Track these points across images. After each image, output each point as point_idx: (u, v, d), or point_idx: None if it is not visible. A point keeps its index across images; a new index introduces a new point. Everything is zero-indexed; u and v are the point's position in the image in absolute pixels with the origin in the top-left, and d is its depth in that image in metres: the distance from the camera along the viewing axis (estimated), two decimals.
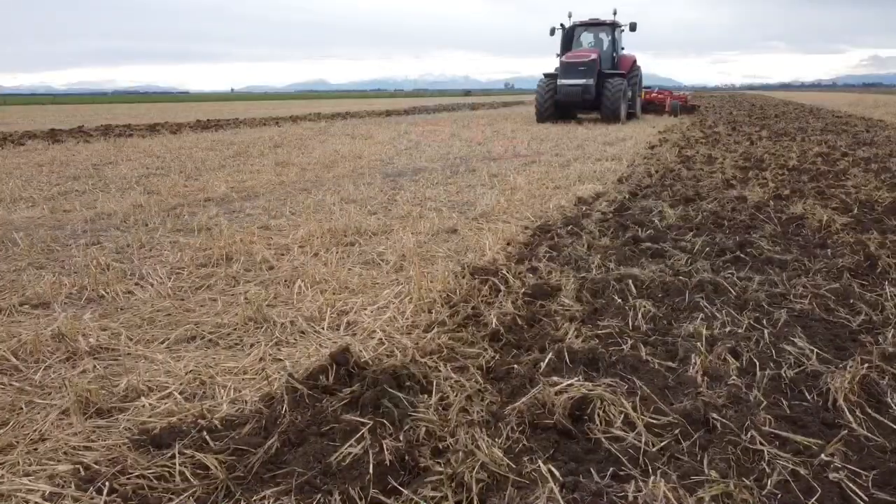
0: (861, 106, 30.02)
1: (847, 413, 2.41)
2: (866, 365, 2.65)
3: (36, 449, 2.34)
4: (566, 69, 20.23)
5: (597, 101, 20.21)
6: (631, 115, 22.01)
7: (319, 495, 1.98)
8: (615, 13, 22.10)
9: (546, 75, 21.34)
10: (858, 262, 4.26)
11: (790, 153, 10.81)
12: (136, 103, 60.27)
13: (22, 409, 2.63)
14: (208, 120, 24.35)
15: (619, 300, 3.70)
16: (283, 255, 4.98)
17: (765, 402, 2.49)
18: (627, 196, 6.95)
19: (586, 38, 22.71)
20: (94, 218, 6.38)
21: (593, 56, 20.27)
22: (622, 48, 22.47)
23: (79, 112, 35.70)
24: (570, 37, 22.40)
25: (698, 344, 3.02)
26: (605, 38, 22.33)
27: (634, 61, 22.78)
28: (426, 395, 2.56)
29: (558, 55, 21.59)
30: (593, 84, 19.93)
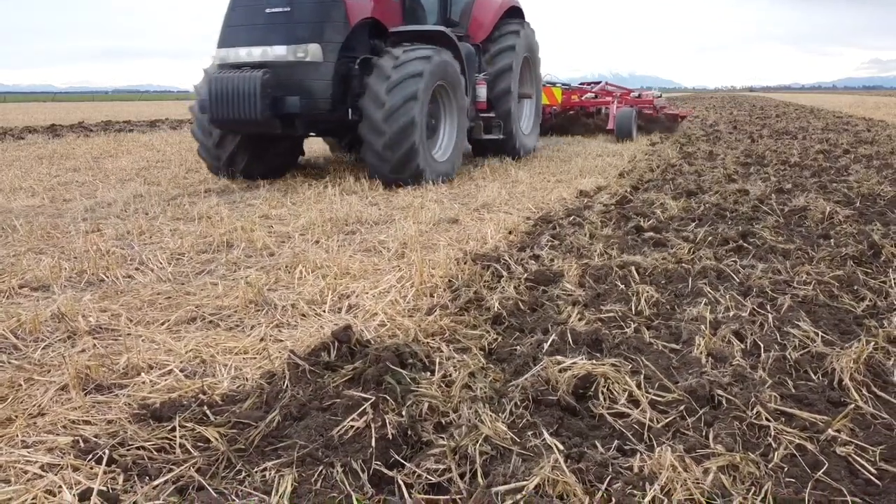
0: (862, 107, 29.98)
1: (853, 391, 2.39)
2: (872, 345, 2.63)
3: (35, 423, 2.32)
4: (233, 21, 7.41)
5: (338, 114, 7.29)
6: (489, 144, 9.71)
7: (322, 467, 1.96)
8: None
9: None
10: (862, 250, 4.24)
11: (791, 150, 10.78)
12: (137, 101, 60.22)
13: (21, 385, 2.60)
14: None
15: (622, 286, 3.68)
16: (283, 242, 4.96)
17: (770, 381, 2.46)
18: (629, 189, 6.93)
19: None
20: (93, 207, 6.36)
21: None
22: None
23: (79, 109, 35.65)
24: None
25: (702, 327, 3.00)
26: None
27: (512, 9, 9.85)
28: (429, 373, 2.54)
29: None
30: (330, 62, 7.08)
